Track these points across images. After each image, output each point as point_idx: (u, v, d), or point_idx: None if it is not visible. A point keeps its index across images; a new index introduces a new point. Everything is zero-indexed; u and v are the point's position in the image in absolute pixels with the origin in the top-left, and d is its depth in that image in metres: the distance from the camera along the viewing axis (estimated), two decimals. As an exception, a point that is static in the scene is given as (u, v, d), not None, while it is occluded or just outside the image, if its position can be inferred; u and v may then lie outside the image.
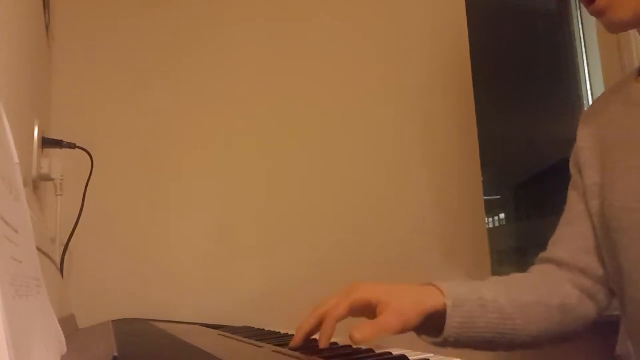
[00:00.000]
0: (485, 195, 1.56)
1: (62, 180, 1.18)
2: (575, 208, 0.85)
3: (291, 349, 0.63)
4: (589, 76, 1.81)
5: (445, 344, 0.72)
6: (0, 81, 0.69)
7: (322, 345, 0.62)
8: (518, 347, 0.77)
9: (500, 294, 0.76)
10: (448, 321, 0.70)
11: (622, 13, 0.72)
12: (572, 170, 0.88)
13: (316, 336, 0.66)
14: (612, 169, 0.78)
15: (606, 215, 0.78)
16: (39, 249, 0.47)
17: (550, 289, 0.80)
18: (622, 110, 0.80)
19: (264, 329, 0.93)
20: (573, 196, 0.86)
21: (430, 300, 0.70)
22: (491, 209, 1.73)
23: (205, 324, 1.12)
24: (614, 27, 0.75)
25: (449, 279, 0.77)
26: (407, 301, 0.68)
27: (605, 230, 0.78)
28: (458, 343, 0.72)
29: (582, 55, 1.83)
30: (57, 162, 1.13)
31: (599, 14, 0.74)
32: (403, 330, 0.67)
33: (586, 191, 0.82)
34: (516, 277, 0.84)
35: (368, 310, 0.69)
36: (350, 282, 1.43)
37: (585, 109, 1.82)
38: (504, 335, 0.74)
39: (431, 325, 0.71)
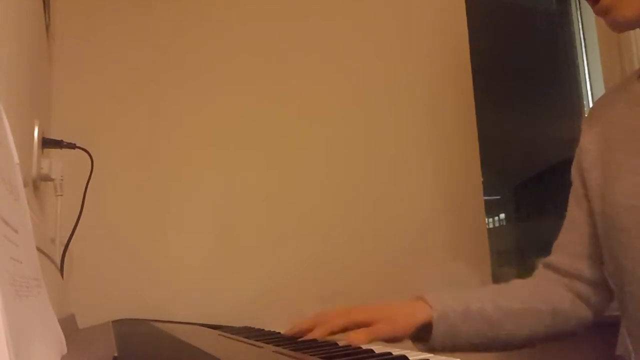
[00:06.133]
0: (485, 195, 1.56)
1: (62, 180, 1.18)
2: (572, 215, 0.88)
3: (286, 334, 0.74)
4: (589, 76, 1.82)
5: (432, 350, 0.80)
6: (0, 81, 0.69)
7: (306, 335, 0.73)
8: (512, 347, 0.84)
9: (488, 302, 0.82)
10: (434, 332, 0.79)
11: (627, 12, 0.72)
12: (574, 174, 0.89)
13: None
14: (615, 169, 0.79)
15: (608, 214, 0.78)
16: (39, 249, 0.47)
17: (544, 294, 0.85)
18: (626, 111, 0.81)
19: (264, 329, 0.93)
20: (571, 203, 0.89)
21: (419, 314, 0.79)
22: (491, 209, 1.73)
23: (205, 324, 1.12)
24: (619, 26, 0.75)
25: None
26: (399, 316, 0.79)
27: (607, 229, 0.78)
28: (445, 349, 0.80)
29: (582, 55, 1.83)
30: (57, 162, 1.13)
31: (603, 13, 0.74)
32: (394, 338, 0.76)
33: (590, 192, 0.83)
34: (513, 283, 0.89)
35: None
36: (350, 282, 1.43)
37: (585, 109, 1.82)
38: (494, 340, 0.81)
39: (424, 334, 0.80)
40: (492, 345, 0.82)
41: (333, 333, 0.75)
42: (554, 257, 0.88)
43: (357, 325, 0.75)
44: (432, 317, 0.79)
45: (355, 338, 0.71)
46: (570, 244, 0.86)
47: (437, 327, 0.78)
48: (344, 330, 0.75)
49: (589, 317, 0.84)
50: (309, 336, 0.72)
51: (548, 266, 0.88)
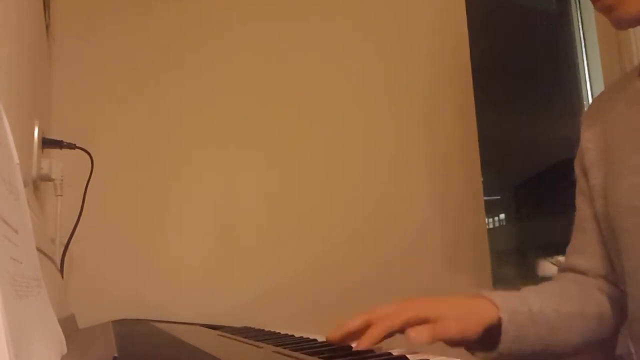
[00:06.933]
0: (485, 195, 1.56)
1: (62, 180, 1.18)
2: (584, 214, 0.84)
3: (328, 341, 0.62)
4: (589, 76, 1.81)
5: (499, 358, 0.69)
6: (0, 81, 0.69)
7: (361, 345, 0.59)
8: (557, 358, 0.76)
9: (545, 304, 0.73)
10: (504, 335, 0.68)
11: (631, 8, 0.70)
12: (577, 172, 0.87)
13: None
14: (617, 169, 0.78)
15: (610, 215, 0.77)
16: (39, 249, 0.47)
17: (585, 297, 0.78)
18: (627, 110, 0.80)
19: (264, 329, 0.93)
20: (580, 201, 0.85)
21: (486, 312, 0.68)
22: (491, 209, 1.73)
23: (205, 324, 1.12)
24: (622, 23, 0.73)
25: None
26: (465, 313, 0.67)
27: (609, 229, 0.78)
28: (511, 357, 0.69)
29: (582, 55, 1.83)
30: (57, 162, 1.13)
31: (606, 10, 0.73)
32: (462, 339, 0.64)
33: (592, 191, 0.82)
34: (550, 285, 0.81)
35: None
36: (350, 282, 1.43)
37: (585, 109, 1.82)
38: (548, 347, 0.72)
39: (482, 339, 0.68)
40: (544, 355, 0.72)
41: (391, 333, 0.61)
42: (575, 261, 0.82)
43: (419, 322, 0.62)
44: (498, 317, 0.67)
45: (416, 336, 0.58)
46: (589, 244, 0.81)
47: (507, 330, 0.67)
48: (404, 327, 0.61)
49: (622, 320, 0.78)
50: (363, 339, 0.59)
51: (571, 270, 0.82)
